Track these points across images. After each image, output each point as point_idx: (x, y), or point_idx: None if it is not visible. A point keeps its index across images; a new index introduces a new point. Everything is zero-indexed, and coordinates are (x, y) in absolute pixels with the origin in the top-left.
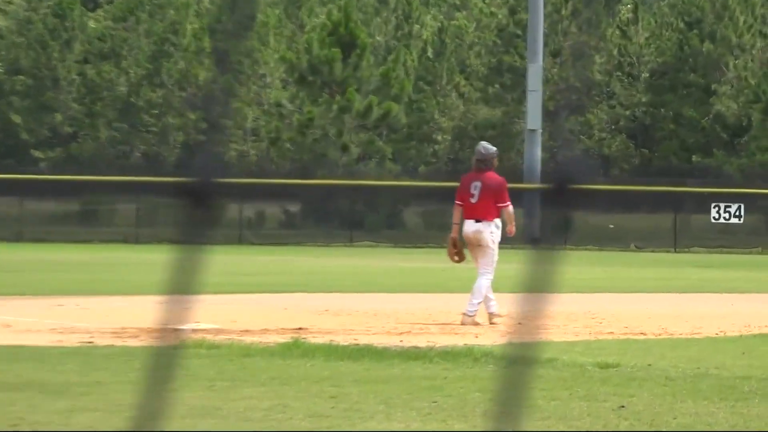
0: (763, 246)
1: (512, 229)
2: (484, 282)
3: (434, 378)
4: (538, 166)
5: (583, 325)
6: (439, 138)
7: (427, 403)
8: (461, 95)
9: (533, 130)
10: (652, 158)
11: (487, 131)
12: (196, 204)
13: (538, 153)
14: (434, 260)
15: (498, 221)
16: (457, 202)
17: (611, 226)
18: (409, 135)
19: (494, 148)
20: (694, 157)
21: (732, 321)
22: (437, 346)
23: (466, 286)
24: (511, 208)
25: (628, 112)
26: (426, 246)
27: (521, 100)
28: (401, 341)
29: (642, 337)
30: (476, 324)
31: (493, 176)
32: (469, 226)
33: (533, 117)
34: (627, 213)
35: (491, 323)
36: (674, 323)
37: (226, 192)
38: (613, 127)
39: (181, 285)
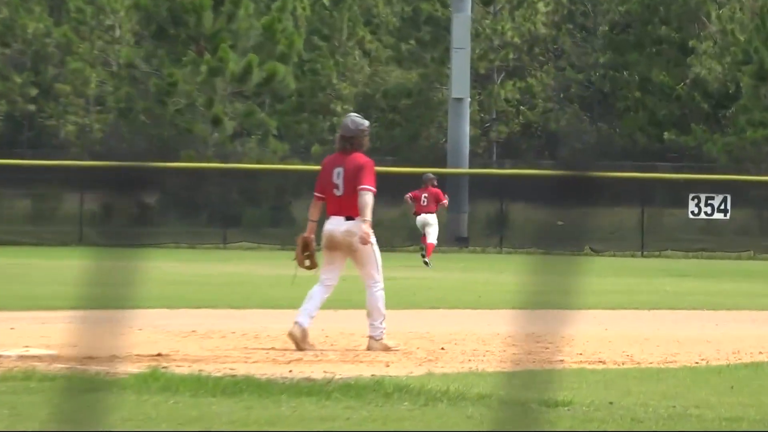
0: (756, 249)
1: (365, 232)
2: (378, 295)
3: (333, 419)
4: (466, 146)
5: (524, 351)
6: (339, 109)
7: None
8: (367, 54)
9: (459, 99)
10: (613, 135)
11: (399, 100)
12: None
13: (466, 128)
14: None
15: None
16: (316, 194)
17: (560, 223)
18: (300, 105)
19: (366, 123)
20: (666, 134)
21: (717, 346)
22: (337, 377)
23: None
24: (369, 196)
25: (581, 76)
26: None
27: (444, 60)
28: (290, 371)
29: (601, 366)
30: (387, 349)
31: (359, 159)
32: (336, 225)
33: (460, 82)
34: (580, 206)
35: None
36: (642, 349)
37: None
38: (562, 95)
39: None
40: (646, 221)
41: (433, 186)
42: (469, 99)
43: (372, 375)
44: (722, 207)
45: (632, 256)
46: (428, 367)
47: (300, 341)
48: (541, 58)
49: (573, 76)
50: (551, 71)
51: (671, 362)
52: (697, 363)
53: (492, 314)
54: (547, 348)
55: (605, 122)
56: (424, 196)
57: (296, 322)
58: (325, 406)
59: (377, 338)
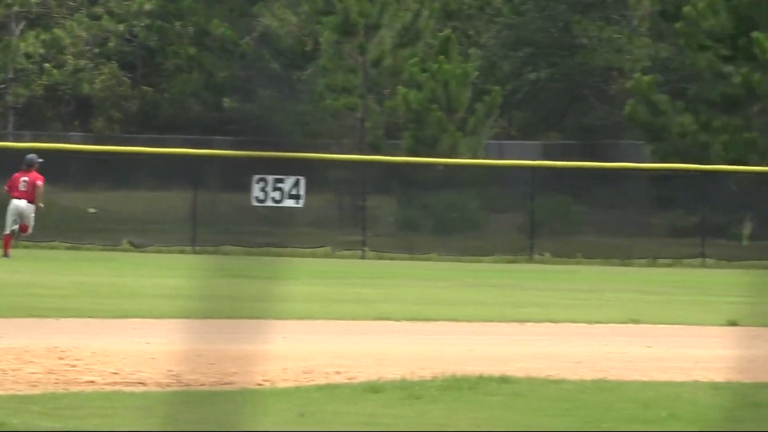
0: (334, 244)
1: None
2: None
3: None
4: None
5: (45, 369)
6: None
7: None
8: None
9: None
10: (161, 101)
11: None
12: None
13: None
14: None
15: None
16: None
17: (92, 211)
18: None
19: None
20: (226, 101)
21: (284, 364)
22: None
23: None
24: None
25: (122, 27)
26: None
27: None
28: None
29: (141, 388)
30: None
31: None
32: None
33: None
34: (111, 190)
35: None
36: (193, 367)
37: None
38: (97, 50)
39: None
40: (199, 209)
41: (37, 171)
42: None
43: None
44: (294, 192)
45: (182, 251)
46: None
47: None
48: (71, 3)
49: (112, 27)
50: (83, 20)
51: (228, 383)
52: (259, 384)
53: (3, 324)
54: (74, 366)
55: (151, 85)
56: (24, 180)
57: None
58: None
59: None
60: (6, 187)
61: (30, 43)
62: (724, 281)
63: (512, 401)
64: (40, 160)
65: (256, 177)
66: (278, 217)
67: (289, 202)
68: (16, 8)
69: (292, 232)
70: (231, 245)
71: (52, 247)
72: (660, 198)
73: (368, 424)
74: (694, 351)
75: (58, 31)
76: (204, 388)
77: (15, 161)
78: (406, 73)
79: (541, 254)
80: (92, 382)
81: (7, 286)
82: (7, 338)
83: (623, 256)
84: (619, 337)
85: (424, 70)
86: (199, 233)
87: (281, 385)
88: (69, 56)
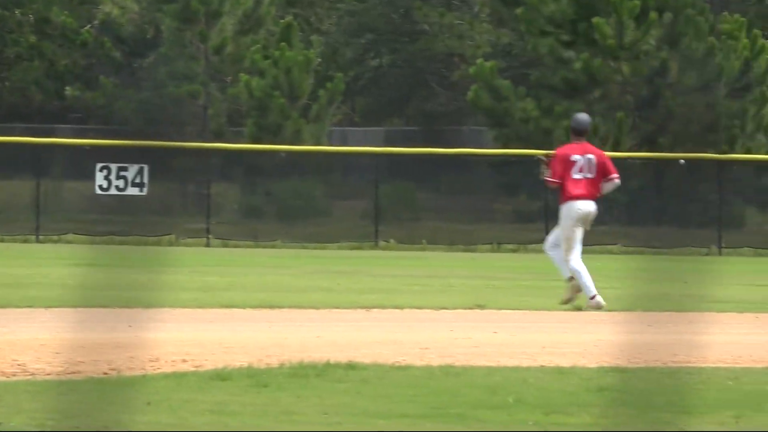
0: (179, 231)
1: None
2: None
3: None
4: None
5: None
6: None
7: None
8: None
9: None
10: (1, 90)
11: None
12: None
13: None
14: None
15: None
16: None
17: None
18: None
19: None
20: (68, 90)
21: (131, 352)
22: None
23: None
24: None
25: None
26: None
27: None
28: None
29: None
30: None
31: None
32: None
33: None
34: None
35: None
36: (38, 356)
37: None
38: None
39: None
40: (43, 197)
41: None
42: None
43: None
44: (138, 180)
45: (25, 240)
46: None
47: None
48: None
49: None
50: None
51: (74, 373)
52: (105, 373)
53: None
54: None
55: None
56: None
57: None
58: None
59: None
60: None
61: None
62: None
63: (360, 388)
64: None
65: (100, 165)
66: (122, 205)
67: (133, 190)
68: None
69: (136, 220)
70: (75, 234)
71: None
72: (503, 184)
73: (216, 412)
74: (540, 336)
75: None
76: (50, 378)
77: None
78: (248, 61)
79: (386, 241)
80: None
81: None
82: None
83: (468, 242)
84: (465, 323)
85: (266, 57)
86: (43, 222)
87: (127, 373)
88: None
